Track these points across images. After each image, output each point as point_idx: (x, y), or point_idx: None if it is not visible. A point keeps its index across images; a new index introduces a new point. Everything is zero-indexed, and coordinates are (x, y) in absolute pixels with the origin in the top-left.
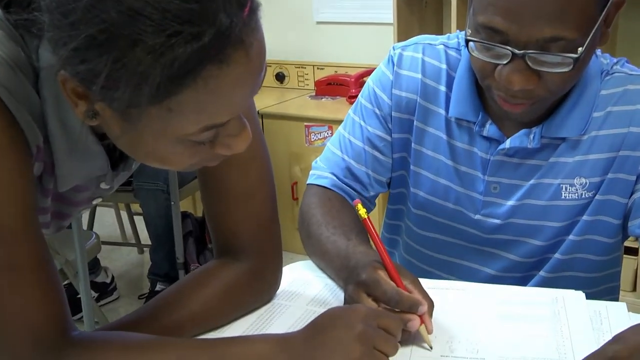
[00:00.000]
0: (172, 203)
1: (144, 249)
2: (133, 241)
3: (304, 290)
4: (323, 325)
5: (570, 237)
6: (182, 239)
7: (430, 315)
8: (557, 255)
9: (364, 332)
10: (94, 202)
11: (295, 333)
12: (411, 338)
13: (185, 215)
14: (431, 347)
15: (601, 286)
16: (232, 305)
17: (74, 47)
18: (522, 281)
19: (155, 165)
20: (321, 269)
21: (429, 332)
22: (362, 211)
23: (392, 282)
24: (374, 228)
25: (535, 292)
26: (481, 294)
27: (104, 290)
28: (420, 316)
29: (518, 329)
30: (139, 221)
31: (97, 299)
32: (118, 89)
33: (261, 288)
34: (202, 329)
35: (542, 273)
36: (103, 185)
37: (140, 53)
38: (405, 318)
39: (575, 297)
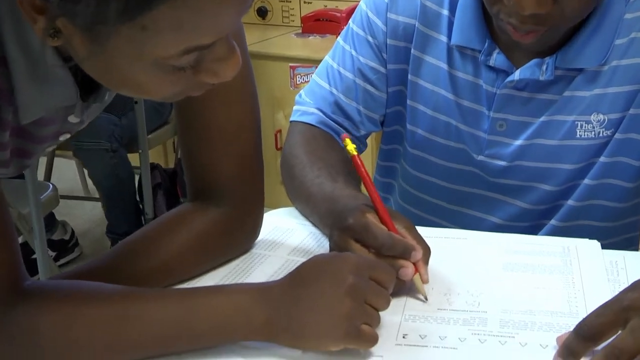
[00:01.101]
0: (140, 152)
1: None
2: (96, 195)
3: (286, 239)
4: (308, 276)
5: (586, 181)
6: (152, 192)
7: (426, 262)
8: (570, 202)
9: (354, 284)
10: (61, 139)
11: (275, 282)
12: (405, 289)
13: (152, 167)
14: (426, 299)
15: (619, 236)
16: (205, 255)
17: None
18: (532, 231)
19: (131, 94)
20: (305, 215)
21: (424, 281)
22: (350, 147)
23: (383, 226)
24: (363, 166)
25: (545, 241)
26: (485, 243)
27: (63, 248)
28: (415, 264)
29: (525, 281)
30: None
31: (56, 258)
32: (80, 2)
33: (239, 236)
34: (172, 280)
35: (553, 222)
36: (72, 119)
37: None
38: (397, 265)
39: (589, 246)
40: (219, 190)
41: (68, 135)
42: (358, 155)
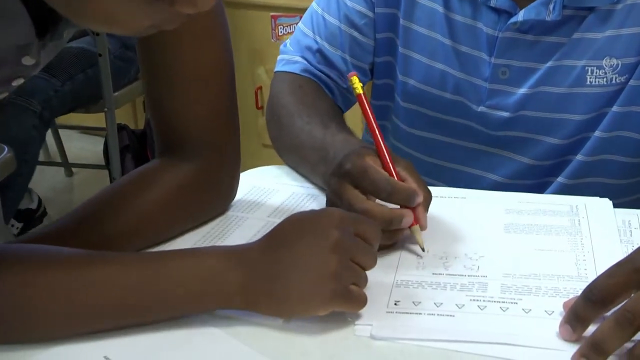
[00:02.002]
0: (106, 110)
1: (73, 169)
2: (59, 160)
3: (266, 199)
4: (288, 234)
5: (596, 133)
6: (119, 156)
7: (427, 209)
8: (579, 157)
9: (340, 240)
10: (14, 84)
11: (252, 244)
12: (398, 245)
13: (119, 128)
14: (424, 249)
15: (633, 195)
16: (176, 216)
17: None
18: (537, 189)
19: (101, 28)
20: (294, 167)
21: (423, 228)
22: (357, 84)
23: (383, 171)
24: (369, 106)
25: (551, 200)
26: (485, 202)
27: (30, 218)
28: (414, 210)
29: (529, 242)
30: (66, 137)
31: (23, 230)
32: None
33: (214, 195)
34: (139, 244)
35: (560, 179)
36: (26, 60)
37: None
38: (396, 214)
39: (600, 204)
40: (190, 144)
41: (22, 80)
42: (364, 93)
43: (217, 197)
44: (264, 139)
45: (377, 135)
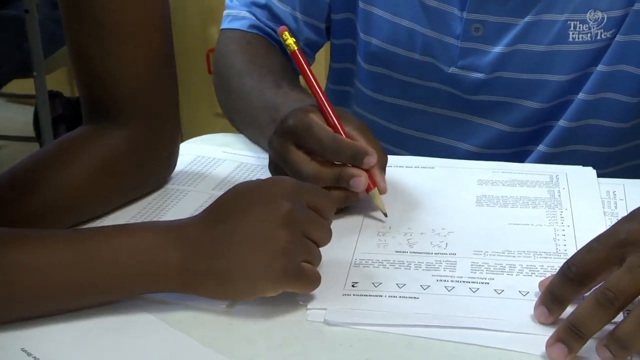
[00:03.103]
0: (35, 74)
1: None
2: None
3: (210, 170)
4: (233, 205)
5: (580, 95)
6: (51, 126)
7: (383, 170)
8: (561, 122)
9: (291, 212)
10: None
11: (192, 218)
12: (356, 216)
13: (52, 95)
14: (385, 214)
15: (620, 164)
16: (108, 190)
17: None
18: (515, 159)
19: None
20: (244, 132)
21: (382, 191)
22: (289, 40)
23: (329, 128)
24: (306, 62)
25: (529, 169)
26: (456, 171)
27: None
28: (369, 172)
29: (502, 216)
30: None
31: None
32: None
33: (150, 166)
34: (65, 222)
35: (541, 147)
36: None
37: None
38: (347, 173)
39: (582, 174)
40: (121, 107)
41: None
42: (299, 49)
43: (154, 167)
44: (216, 107)
45: (317, 93)
